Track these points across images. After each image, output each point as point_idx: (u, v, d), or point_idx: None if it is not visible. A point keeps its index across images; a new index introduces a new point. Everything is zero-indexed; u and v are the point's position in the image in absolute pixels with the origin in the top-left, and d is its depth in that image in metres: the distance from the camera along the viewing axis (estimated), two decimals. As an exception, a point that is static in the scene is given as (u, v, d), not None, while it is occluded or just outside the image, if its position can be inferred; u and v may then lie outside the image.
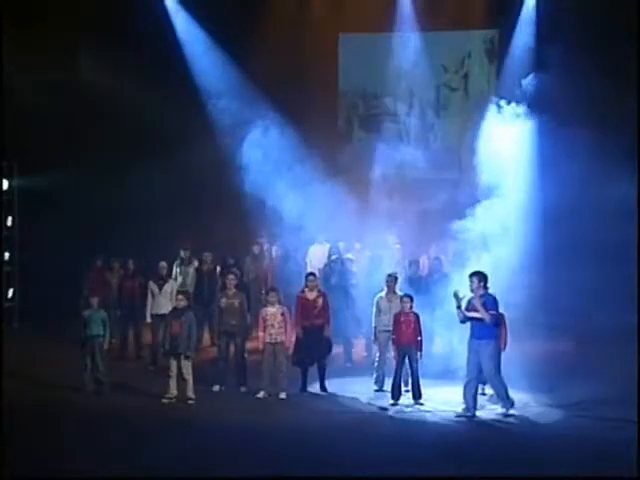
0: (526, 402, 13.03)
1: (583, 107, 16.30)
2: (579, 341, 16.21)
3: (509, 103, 14.85)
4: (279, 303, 13.75)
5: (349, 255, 17.06)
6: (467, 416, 12.33)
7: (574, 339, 16.35)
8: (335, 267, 16.67)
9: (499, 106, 14.77)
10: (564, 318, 16.60)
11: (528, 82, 16.27)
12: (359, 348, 16.15)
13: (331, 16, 19.65)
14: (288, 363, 13.66)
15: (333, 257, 16.98)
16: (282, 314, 13.58)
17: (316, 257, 17.55)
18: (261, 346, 13.56)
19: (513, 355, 13.57)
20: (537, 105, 16.24)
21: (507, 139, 15.26)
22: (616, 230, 15.36)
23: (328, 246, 17.45)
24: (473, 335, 12.43)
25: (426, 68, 19.78)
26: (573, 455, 10.74)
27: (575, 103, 16.06)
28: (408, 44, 19.27)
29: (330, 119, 20.31)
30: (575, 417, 12.36)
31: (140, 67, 18.27)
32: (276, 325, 13.49)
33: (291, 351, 13.72)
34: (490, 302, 12.42)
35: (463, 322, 12.52)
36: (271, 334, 13.48)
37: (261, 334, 13.55)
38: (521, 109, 14.66)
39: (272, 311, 13.58)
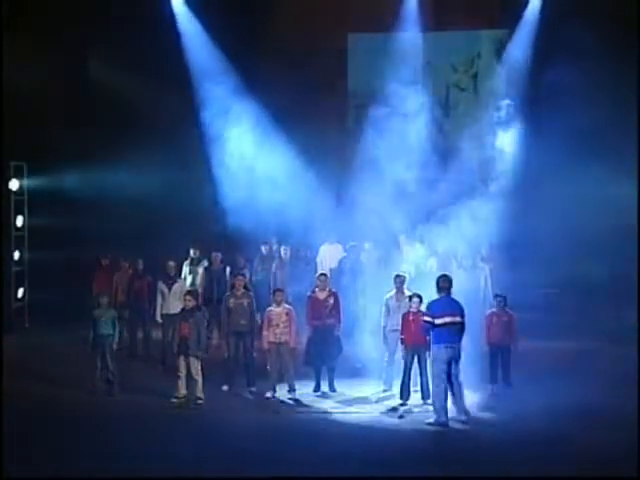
0: (527, 402, 13.04)
1: (589, 106, 16.29)
2: (580, 341, 16.21)
3: (516, 104, 14.88)
4: (285, 303, 13.80)
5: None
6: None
7: (576, 339, 16.34)
8: (345, 267, 16.71)
9: (507, 106, 14.79)
10: (567, 317, 16.61)
11: (533, 83, 16.28)
12: (368, 348, 16.13)
13: (340, 16, 19.62)
14: (294, 362, 13.68)
15: (344, 256, 17.03)
16: (287, 314, 13.62)
17: (327, 257, 17.54)
18: (266, 346, 13.60)
19: (516, 354, 13.64)
20: (543, 105, 16.27)
21: (514, 139, 15.31)
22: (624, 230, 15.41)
23: (339, 246, 17.45)
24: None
25: (436, 68, 19.75)
26: (573, 455, 10.74)
27: (581, 102, 16.05)
28: (417, 44, 19.21)
29: (339, 119, 20.29)
30: (575, 417, 12.36)
31: (147, 66, 18.26)
32: (281, 325, 13.53)
33: (296, 349, 13.75)
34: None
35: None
36: (276, 334, 13.53)
37: (265, 333, 13.60)
38: (527, 110, 14.68)
39: (277, 311, 13.63)
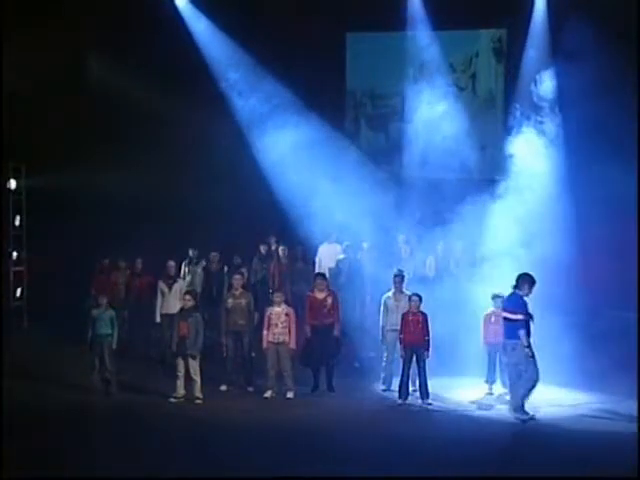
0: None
1: (594, 106, 16.29)
2: (587, 340, 16.20)
3: (519, 103, 14.87)
4: (285, 303, 13.82)
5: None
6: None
7: (584, 338, 16.34)
8: (343, 267, 16.73)
9: (510, 107, 14.79)
10: (577, 317, 16.60)
11: (539, 82, 16.24)
12: (367, 348, 16.14)
13: (338, 15, 19.60)
14: (293, 363, 13.70)
15: (341, 257, 17.04)
16: (286, 314, 13.64)
17: (326, 256, 17.56)
18: (265, 345, 13.62)
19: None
20: (547, 105, 16.23)
21: (516, 139, 15.28)
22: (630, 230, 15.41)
23: (338, 246, 17.46)
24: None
25: (434, 67, 19.72)
26: (573, 455, 10.75)
27: (586, 102, 16.04)
28: (416, 43, 19.22)
29: (337, 119, 20.28)
30: (574, 417, 12.37)
31: (148, 66, 18.26)
32: (280, 325, 13.55)
33: (296, 350, 13.77)
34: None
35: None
36: (274, 333, 13.55)
37: (265, 333, 13.62)
38: (531, 109, 14.67)
39: (277, 311, 13.65)
